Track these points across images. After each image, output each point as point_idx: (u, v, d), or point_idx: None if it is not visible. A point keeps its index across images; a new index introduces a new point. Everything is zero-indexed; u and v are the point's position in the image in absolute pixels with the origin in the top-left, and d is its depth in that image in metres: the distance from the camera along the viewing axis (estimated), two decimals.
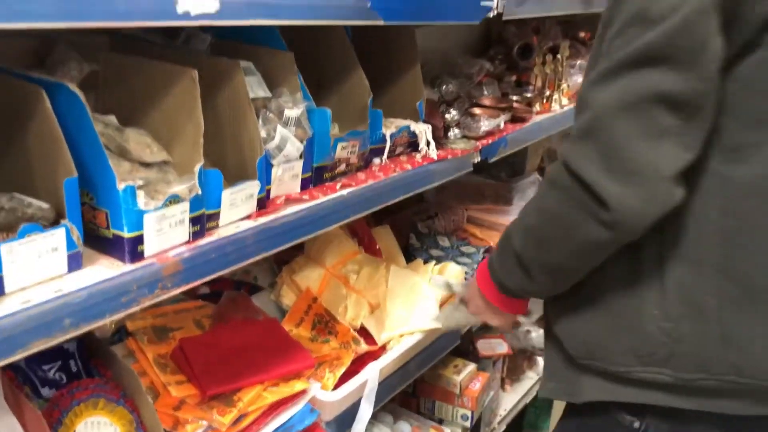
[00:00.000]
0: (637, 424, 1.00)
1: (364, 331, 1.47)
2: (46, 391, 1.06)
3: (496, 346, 2.00)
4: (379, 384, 1.35)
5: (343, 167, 1.25)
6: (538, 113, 1.94)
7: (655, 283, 0.93)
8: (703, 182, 0.89)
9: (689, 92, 0.81)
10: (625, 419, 1.01)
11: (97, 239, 0.88)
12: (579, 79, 2.15)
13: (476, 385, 1.82)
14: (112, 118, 0.93)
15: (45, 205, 0.83)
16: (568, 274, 0.99)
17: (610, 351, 0.97)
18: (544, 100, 2.01)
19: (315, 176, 1.19)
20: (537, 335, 2.37)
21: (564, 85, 2.09)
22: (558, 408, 2.38)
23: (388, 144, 1.35)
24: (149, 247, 0.87)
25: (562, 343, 1.03)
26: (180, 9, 0.78)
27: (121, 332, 1.28)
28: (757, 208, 0.89)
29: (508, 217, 2.02)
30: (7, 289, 0.76)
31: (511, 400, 2.17)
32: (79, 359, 1.13)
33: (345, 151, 1.24)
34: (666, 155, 0.83)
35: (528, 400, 2.27)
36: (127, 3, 0.72)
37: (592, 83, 0.86)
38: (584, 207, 0.87)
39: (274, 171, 1.10)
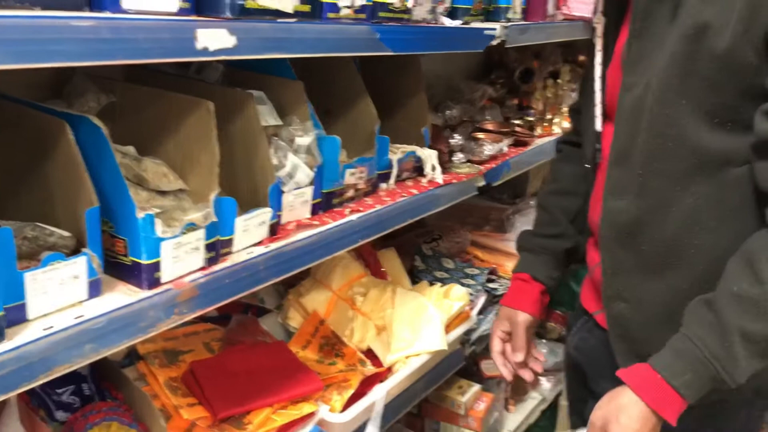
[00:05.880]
0: None
1: (370, 353, 1.49)
2: (60, 414, 1.08)
3: None
4: (386, 405, 1.37)
5: (351, 193, 1.28)
6: (539, 136, 1.98)
7: None
8: None
9: None
10: None
11: (115, 266, 0.91)
12: None
13: (481, 406, 1.83)
14: (131, 149, 0.96)
15: (66, 234, 0.85)
16: None
17: None
18: (545, 124, 2.05)
19: (324, 202, 1.22)
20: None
21: (564, 109, 2.13)
22: (561, 430, 2.39)
23: (395, 169, 1.38)
24: (166, 274, 0.90)
25: None
26: (199, 45, 0.82)
27: (131, 356, 1.29)
28: None
29: (508, 243, 2.03)
30: (29, 316, 0.79)
31: (515, 420, 2.18)
32: (92, 382, 1.15)
33: (353, 177, 1.27)
34: None
35: (532, 420, 2.28)
36: (151, 41, 0.75)
37: None
38: None
39: (284, 197, 1.13)
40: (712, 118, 0.94)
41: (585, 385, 1.27)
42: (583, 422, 1.28)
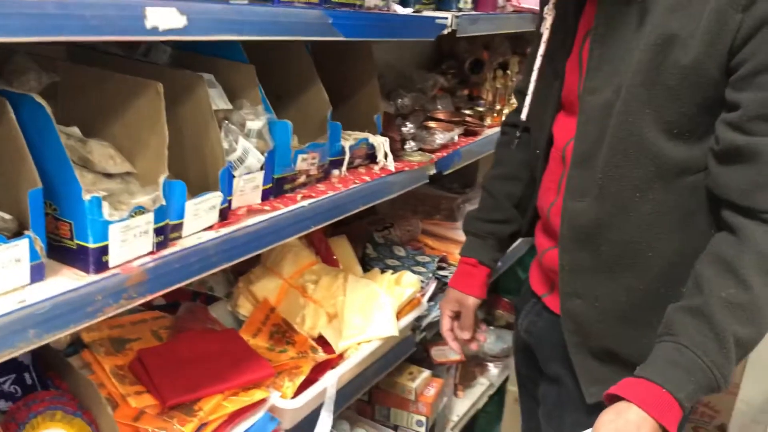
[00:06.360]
0: None
1: (322, 340, 1.49)
2: (1, 404, 1.04)
3: (449, 353, 2.05)
4: (337, 391, 1.38)
5: (303, 179, 1.28)
6: (489, 126, 2.01)
7: None
8: None
9: None
10: None
11: (59, 250, 0.88)
12: None
13: (431, 392, 1.86)
14: (75, 130, 0.93)
15: (7, 216, 0.82)
16: None
17: None
18: (495, 114, 2.08)
19: (276, 187, 1.21)
20: (488, 342, 2.44)
21: (513, 100, 2.16)
22: (508, 414, 2.45)
23: (347, 156, 1.38)
24: (114, 258, 0.88)
25: None
26: (149, 24, 0.80)
27: (76, 344, 1.26)
28: None
29: (458, 232, 2.06)
30: None
31: (463, 405, 2.22)
32: (34, 372, 1.12)
33: (305, 162, 1.26)
34: None
35: (480, 405, 2.33)
36: (99, 18, 0.73)
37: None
38: None
39: (235, 182, 1.11)
40: (672, 128, 0.97)
41: (536, 366, 1.31)
42: (536, 403, 1.32)
